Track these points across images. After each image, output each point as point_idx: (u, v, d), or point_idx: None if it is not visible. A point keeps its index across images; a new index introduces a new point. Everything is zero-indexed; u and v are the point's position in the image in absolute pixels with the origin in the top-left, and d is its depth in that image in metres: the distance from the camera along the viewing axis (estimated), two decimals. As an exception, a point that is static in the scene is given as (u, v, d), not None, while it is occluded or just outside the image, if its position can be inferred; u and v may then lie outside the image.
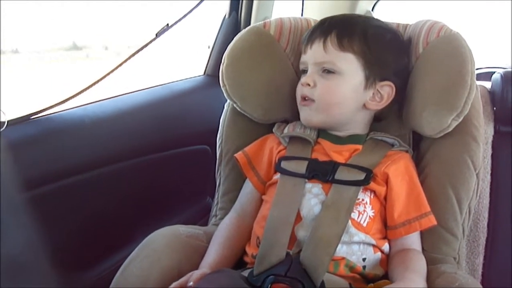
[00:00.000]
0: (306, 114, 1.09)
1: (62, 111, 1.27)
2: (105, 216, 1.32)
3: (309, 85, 1.07)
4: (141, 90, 1.50)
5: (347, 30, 1.07)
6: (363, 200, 1.01)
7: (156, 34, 1.33)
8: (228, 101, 1.21)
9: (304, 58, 1.11)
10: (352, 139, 1.09)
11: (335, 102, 1.06)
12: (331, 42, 1.06)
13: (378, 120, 1.14)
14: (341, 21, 1.10)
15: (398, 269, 0.98)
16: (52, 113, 1.24)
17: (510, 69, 1.41)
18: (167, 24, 1.32)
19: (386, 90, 1.09)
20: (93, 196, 1.28)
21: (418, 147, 1.16)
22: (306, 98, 1.08)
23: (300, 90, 1.10)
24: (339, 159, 1.06)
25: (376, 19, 1.16)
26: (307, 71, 1.10)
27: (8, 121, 1.08)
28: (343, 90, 1.06)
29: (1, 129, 1.04)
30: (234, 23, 1.66)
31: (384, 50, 1.08)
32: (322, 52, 1.06)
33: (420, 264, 1.00)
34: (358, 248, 0.99)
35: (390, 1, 1.98)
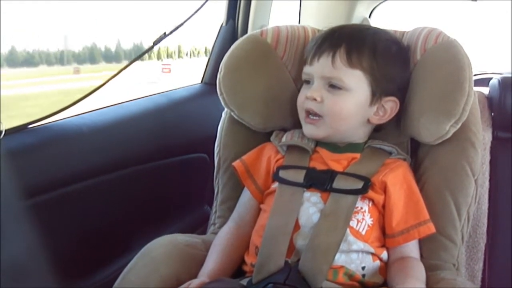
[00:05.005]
0: (311, 129, 1.08)
1: (60, 119, 1.27)
2: (103, 224, 1.31)
3: (315, 99, 1.06)
4: (139, 98, 1.50)
5: (356, 45, 1.05)
6: (361, 208, 1.01)
7: (154, 43, 1.33)
8: (226, 109, 1.21)
9: (310, 69, 1.08)
10: (350, 147, 1.09)
11: (341, 118, 1.05)
12: (340, 58, 1.04)
13: (378, 130, 1.13)
14: (350, 34, 1.08)
15: (398, 277, 0.97)
16: (50, 122, 1.24)
17: (507, 75, 1.41)
18: (164, 33, 1.32)
19: (390, 105, 1.08)
20: (91, 205, 1.27)
21: (416, 154, 1.15)
22: (312, 113, 1.07)
23: (305, 104, 1.08)
24: (337, 167, 1.06)
25: (384, 31, 1.13)
26: (309, 81, 1.08)
27: (5, 130, 1.07)
28: (349, 106, 1.05)
29: None
30: (231, 31, 1.66)
31: (392, 66, 1.08)
32: (330, 67, 1.04)
33: (419, 271, 1.00)
34: (357, 256, 0.99)
35: (387, 7, 1.99)
